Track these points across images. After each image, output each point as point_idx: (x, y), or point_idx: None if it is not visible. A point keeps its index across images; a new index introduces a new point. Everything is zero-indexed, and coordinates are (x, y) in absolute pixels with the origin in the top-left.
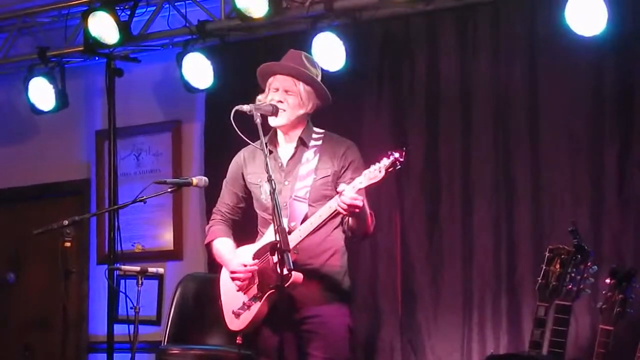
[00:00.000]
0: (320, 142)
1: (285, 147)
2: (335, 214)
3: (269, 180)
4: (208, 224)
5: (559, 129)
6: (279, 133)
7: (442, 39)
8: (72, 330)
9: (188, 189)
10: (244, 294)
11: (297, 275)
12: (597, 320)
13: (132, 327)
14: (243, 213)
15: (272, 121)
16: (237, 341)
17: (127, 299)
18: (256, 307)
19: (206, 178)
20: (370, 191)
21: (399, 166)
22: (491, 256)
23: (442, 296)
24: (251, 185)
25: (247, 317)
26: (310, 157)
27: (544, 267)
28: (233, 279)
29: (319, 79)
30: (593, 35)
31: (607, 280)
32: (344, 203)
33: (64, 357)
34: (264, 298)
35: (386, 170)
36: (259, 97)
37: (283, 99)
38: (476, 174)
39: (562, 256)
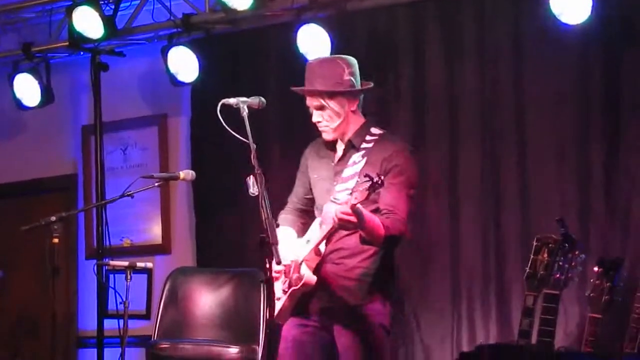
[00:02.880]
0: (371, 145)
1: (340, 146)
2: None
3: (253, 173)
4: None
5: (545, 126)
6: None
7: (428, 31)
8: (61, 325)
9: (175, 182)
10: (283, 284)
11: (309, 278)
12: (585, 308)
13: (121, 321)
14: (312, 204)
15: (324, 136)
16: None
17: (116, 293)
18: (282, 301)
19: (193, 172)
20: None
21: (379, 187)
22: (479, 246)
23: (431, 287)
24: (311, 180)
25: (278, 306)
26: (357, 160)
27: (531, 257)
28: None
29: (349, 70)
30: (578, 23)
31: (595, 269)
32: (337, 216)
33: (54, 353)
34: (287, 295)
35: (368, 190)
36: None
37: (317, 117)
38: (463, 170)
39: (550, 245)
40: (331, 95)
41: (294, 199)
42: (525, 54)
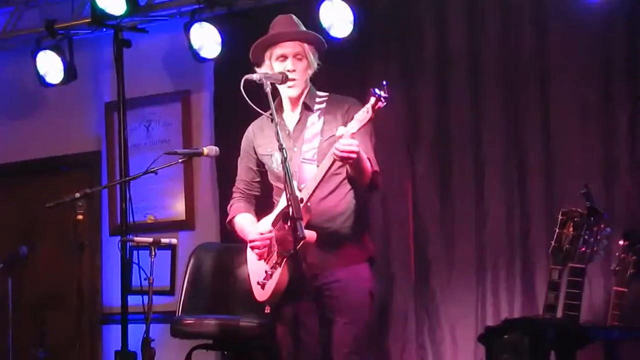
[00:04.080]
0: (324, 105)
1: (291, 114)
2: (335, 163)
3: (280, 149)
4: (229, 202)
5: (569, 93)
6: (285, 101)
7: (450, 3)
8: (86, 302)
9: (199, 158)
10: (266, 263)
11: (310, 234)
12: (610, 282)
13: (146, 297)
14: (262, 187)
15: (288, 92)
16: (266, 311)
17: (141, 270)
18: (277, 274)
19: (217, 147)
20: (382, 159)
21: (385, 102)
22: (504, 220)
23: (455, 261)
24: (263, 157)
25: (270, 285)
26: (315, 120)
27: (557, 230)
28: (252, 247)
29: None
30: None
31: (621, 242)
32: (338, 150)
33: (79, 329)
34: (282, 264)
35: (373, 109)
36: (261, 70)
37: (294, 65)
38: (487, 139)
39: (575, 219)
40: (312, 41)
41: (241, 186)
42: (549, 16)
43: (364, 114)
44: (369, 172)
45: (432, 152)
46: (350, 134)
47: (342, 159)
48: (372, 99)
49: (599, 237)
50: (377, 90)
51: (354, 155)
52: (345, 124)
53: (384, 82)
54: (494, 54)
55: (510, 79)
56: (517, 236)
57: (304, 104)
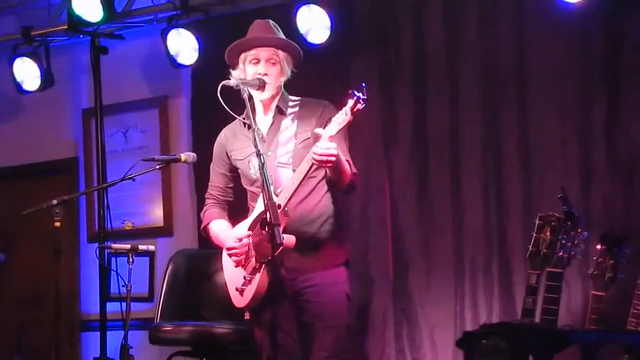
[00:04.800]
0: (297, 109)
1: (264, 118)
2: (313, 167)
3: (258, 154)
4: (202, 209)
5: (547, 95)
6: (257, 106)
7: (429, 4)
8: (64, 309)
9: (177, 164)
10: (244, 269)
11: (289, 239)
12: (588, 286)
13: (124, 304)
14: (235, 193)
15: (259, 95)
16: (245, 317)
17: (119, 277)
18: (256, 279)
19: (194, 154)
20: (360, 160)
21: (363, 104)
22: (482, 223)
23: (433, 264)
24: (236, 162)
25: (249, 291)
26: (288, 124)
27: (534, 235)
28: (230, 255)
29: None
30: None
31: (598, 246)
32: (317, 154)
33: (57, 336)
34: (262, 269)
35: (352, 111)
36: (235, 73)
37: (267, 70)
38: (465, 140)
39: (553, 223)
40: (287, 49)
41: (215, 192)
42: (527, 17)
43: (342, 117)
44: (349, 174)
45: (410, 153)
46: (329, 136)
47: (320, 162)
48: (351, 101)
49: (576, 242)
50: (356, 92)
51: (333, 159)
52: (320, 127)
53: (363, 84)
54: (472, 55)
55: (488, 79)
56: (495, 239)
57: (278, 107)
